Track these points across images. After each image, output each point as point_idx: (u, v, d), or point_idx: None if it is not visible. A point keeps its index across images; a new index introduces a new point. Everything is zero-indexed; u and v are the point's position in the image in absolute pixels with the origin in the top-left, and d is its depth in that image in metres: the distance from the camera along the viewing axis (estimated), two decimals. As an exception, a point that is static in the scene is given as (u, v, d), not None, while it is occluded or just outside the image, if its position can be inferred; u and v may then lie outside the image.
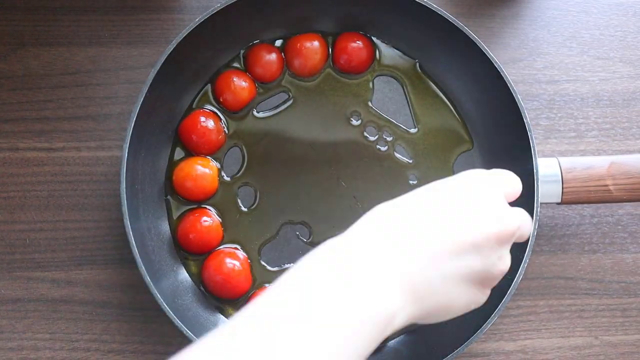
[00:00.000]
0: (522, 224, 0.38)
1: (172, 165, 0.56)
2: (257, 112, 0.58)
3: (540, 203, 0.51)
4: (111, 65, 0.58)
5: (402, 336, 0.55)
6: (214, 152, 0.56)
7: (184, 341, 0.48)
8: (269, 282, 0.55)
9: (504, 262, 0.37)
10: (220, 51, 0.57)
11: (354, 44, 0.58)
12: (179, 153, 0.56)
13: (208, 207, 0.55)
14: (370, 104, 0.58)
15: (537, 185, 0.51)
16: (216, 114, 0.57)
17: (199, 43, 0.53)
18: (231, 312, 0.54)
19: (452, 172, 0.57)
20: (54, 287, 0.55)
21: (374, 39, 0.59)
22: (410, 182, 0.57)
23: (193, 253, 0.54)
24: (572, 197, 0.53)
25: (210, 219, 0.54)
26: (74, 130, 0.57)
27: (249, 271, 0.54)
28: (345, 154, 0.57)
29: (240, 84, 0.56)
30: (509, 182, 0.40)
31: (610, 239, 0.59)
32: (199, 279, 0.54)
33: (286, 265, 0.55)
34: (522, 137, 0.52)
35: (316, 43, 0.57)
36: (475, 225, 0.34)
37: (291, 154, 0.57)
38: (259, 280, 0.54)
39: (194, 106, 0.57)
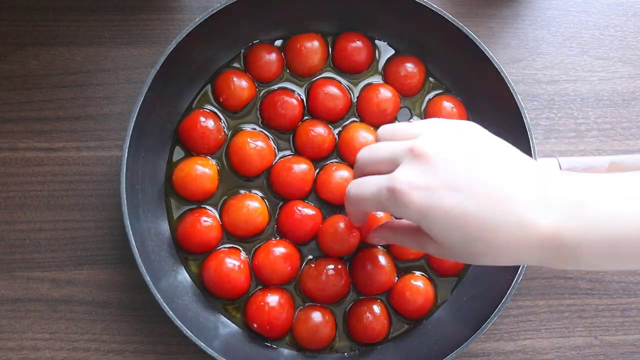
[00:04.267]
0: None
1: (172, 165, 0.56)
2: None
3: (540, 203, 0.51)
4: (111, 65, 0.58)
5: (400, 336, 0.55)
6: (214, 152, 0.56)
7: (184, 341, 0.48)
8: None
9: None
10: (220, 51, 0.57)
11: (353, 44, 0.58)
12: (178, 153, 0.56)
13: (208, 207, 0.55)
14: (370, 104, 0.58)
15: (537, 185, 0.51)
16: (216, 114, 0.57)
17: (199, 43, 0.53)
18: (231, 312, 0.54)
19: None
20: (53, 287, 0.55)
21: (375, 39, 0.59)
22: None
23: (193, 253, 0.54)
24: (572, 197, 0.53)
25: (210, 218, 0.54)
26: (73, 130, 0.57)
27: (248, 271, 0.54)
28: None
29: (240, 84, 0.56)
30: None
31: (610, 239, 0.59)
32: (199, 279, 0.54)
33: (286, 265, 0.55)
34: (522, 136, 0.52)
35: (316, 43, 0.57)
36: None
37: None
38: (259, 280, 0.54)
39: (193, 106, 0.57)
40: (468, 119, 0.58)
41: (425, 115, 0.58)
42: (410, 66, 0.58)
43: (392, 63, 0.58)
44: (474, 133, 0.40)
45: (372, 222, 0.53)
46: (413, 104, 0.58)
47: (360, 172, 0.43)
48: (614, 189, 0.36)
